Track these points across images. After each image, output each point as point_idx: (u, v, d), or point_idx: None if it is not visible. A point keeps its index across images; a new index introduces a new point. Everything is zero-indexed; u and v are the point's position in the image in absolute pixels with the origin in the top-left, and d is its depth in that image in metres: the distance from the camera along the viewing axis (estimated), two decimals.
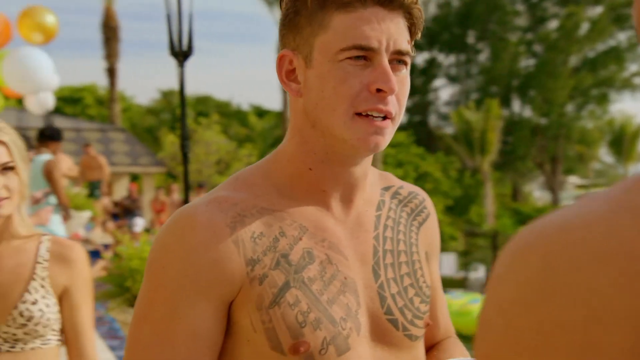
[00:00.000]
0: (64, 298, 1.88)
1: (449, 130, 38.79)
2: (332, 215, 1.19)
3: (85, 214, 9.38)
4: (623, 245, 0.39)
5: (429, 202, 1.34)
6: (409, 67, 1.15)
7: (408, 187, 1.33)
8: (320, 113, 1.12)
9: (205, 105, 36.78)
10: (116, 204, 16.38)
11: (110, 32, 25.04)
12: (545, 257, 0.41)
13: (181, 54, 3.35)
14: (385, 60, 1.10)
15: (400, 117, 1.15)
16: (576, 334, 0.39)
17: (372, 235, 1.21)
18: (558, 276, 0.40)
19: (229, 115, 36.87)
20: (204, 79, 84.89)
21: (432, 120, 43.23)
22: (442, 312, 1.38)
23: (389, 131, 1.12)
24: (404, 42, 1.12)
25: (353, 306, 1.14)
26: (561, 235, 0.41)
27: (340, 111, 1.10)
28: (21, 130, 13.01)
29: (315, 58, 1.12)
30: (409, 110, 43.10)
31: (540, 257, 0.41)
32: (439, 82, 44.12)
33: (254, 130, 35.97)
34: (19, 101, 18.19)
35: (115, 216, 15.76)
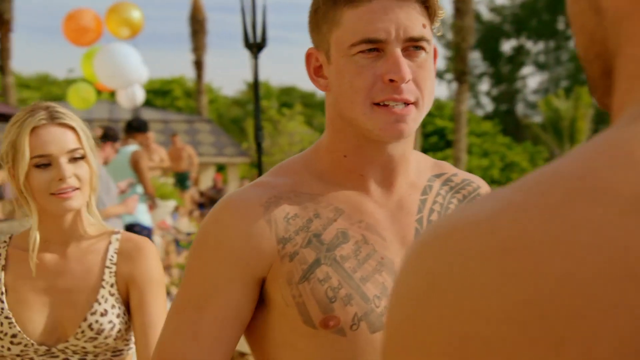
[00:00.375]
0: (132, 294, 1.68)
1: (537, 119, 37.80)
2: (371, 199, 1.22)
3: (171, 203, 9.67)
4: (503, 243, 0.41)
5: (484, 190, 1.34)
6: (430, 50, 1.17)
7: (463, 175, 1.35)
8: (342, 106, 1.17)
9: (290, 96, 37.12)
10: (202, 193, 16.79)
11: (197, 24, 25.60)
12: (435, 255, 0.44)
13: (255, 46, 3.42)
14: (396, 50, 1.12)
15: (427, 100, 1.17)
16: (459, 326, 0.41)
17: (414, 219, 1.24)
18: (446, 272, 0.43)
19: (313, 105, 37.10)
20: (289, 69, 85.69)
21: (520, 109, 42.25)
22: None
23: (413, 117, 1.15)
24: (418, 28, 1.13)
25: (389, 285, 1.16)
26: (451, 235, 0.43)
27: (359, 103, 1.14)
28: (112, 123, 13.54)
29: (332, 54, 1.17)
30: (495, 99, 42.21)
31: (432, 255, 0.44)
32: (527, 69, 43.12)
33: None
34: (111, 94, 18.89)
35: (201, 206, 16.17)
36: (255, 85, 3.44)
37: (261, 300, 1.19)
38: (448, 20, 39.47)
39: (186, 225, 14.33)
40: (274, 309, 1.17)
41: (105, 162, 5.94)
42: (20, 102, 31.86)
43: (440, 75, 42.23)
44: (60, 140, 1.65)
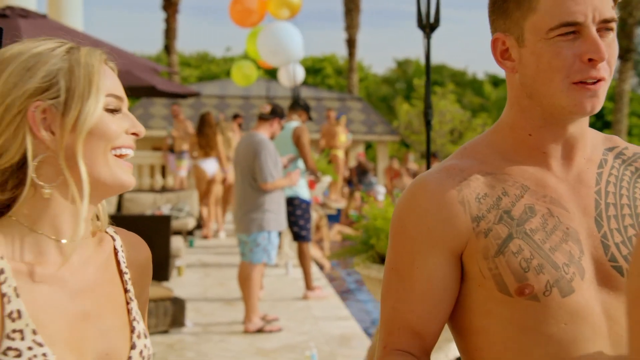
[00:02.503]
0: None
1: None
2: (553, 174, 1.31)
3: (326, 179, 9.95)
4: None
5: None
6: (615, 30, 1.24)
7: (633, 148, 1.41)
8: (538, 85, 1.25)
9: (441, 75, 36.66)
10: (350, 171, 17.06)
11: (351, 3, 25.82)
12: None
13: (428, 26, 3.47)
14: (593, 31, 1.20)
15: (611, 76, 1.25)
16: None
17: (593, 190, 1.32)
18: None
19: (463, 84, 36.42)
20: (440, 47, 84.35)
21: None
22: None
23: (602, 92, 1.24)
24: (608, 10, 1.21)
25: (576, 253, 1.26)
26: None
27: (557, 81, 1.23)
28: (269, 100, 14.01)
29: (527, 38, 1.25)
30: None
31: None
32: None
33: (489, 99, 35.20)
34: (269, 72, 19.51)
35: (349, 182, 16.45)
36: (427, 66, 3.50)
37: None
38: None
39: (335, 200, 14.67)
40: (471, 280, 1.28)
41: (272, 137, 6.23)
42: (183, 80, 33.58)
43: None
44: None
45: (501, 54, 1.31)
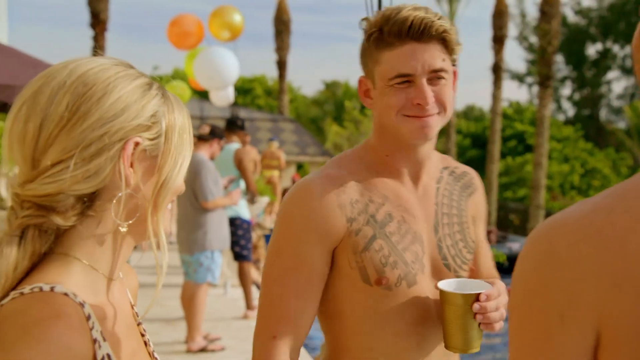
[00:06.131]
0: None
1: (621, 125, 36.80)
2: (405, 188, 1.64)
3: (264, 199, 10.03)
4: (597, 231, 0.77)
5: (477, 180, 1.81)
6: (449, 75, 1.57)
7: (462, 168, 1.80)
8: (383, 119, 1.59)
9: None
10: (284, 192, 17.16)
11: (281, 25, 26.05)
12: (549, 240, 0.80)
13: None
14: (422, 81, 1.53)
15: (449, 110, 1.58)
16: (566, 288, 0.78)
17: (434, 202, 1.67)
18: (556, 251, 0.79)
19: None
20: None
21: (603, 114, 41.16)
22: (483, 261, 1.81)
23: (433, 122, 1.56)
24: (438, 62, 1.53)
25: (420, 253, 1.60)
26: (560, 226, 0.79)
27: (393, 116, 1.56)
28: (203, 120, 13.96)
29: (377, 83, 1.59)
30: (577, 103, 41.25)
31: (546, 240, 0.81)
32: (612, 74, 41.90)
33: None
34: (202, 93, 19.48)
35: None
36: None
37: None
38: (531, 23, 38.78)
39: (270, 221, 14.75)
40: (339, 271, 1.56)
41: (212, 158, 6.30)
42: None
43: (520, 78, 41.49)
44: None
45: (365, 93, 1.65)
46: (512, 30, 45.54)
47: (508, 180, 30.64)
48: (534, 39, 36.74)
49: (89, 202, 1.06)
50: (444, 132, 30.16)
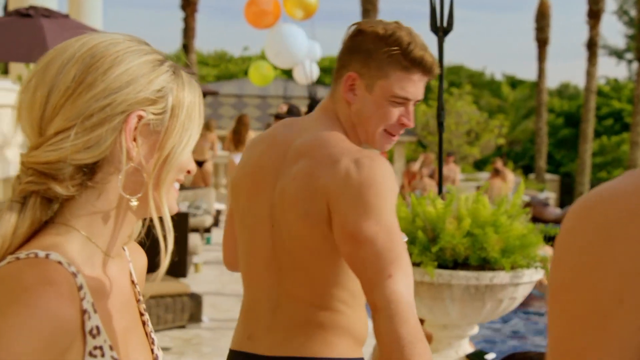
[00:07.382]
0: None
1: None
2: None
3: None
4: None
5: None
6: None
7: None
8: (365, 124, 1.80)
9: (458, 75, 36.57)
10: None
11: (369, 4, 25.83)
12: (603, 212, 0.67)
13: (442, 30, 3.54)
14: (412, 106, 1.81)
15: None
16: (628, 267, 0.65)
17: None
18: (613, 225, 0.66)
19: (481, 85, 36.32)
20: (457, 48, 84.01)
21: None
22: None
23: (395, 139, 1.85)
24: (422, 95, 1.81)
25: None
26: (616, 198, 0.67)
27: (379, 127, 1.80)
28: (287, 99, 14.07)
29: (375, 91, 1.77)
30: None
31: (599, 213, 0.67)
32: None
33: (507, 100, 35.10)
34: (287, 72, 19.68)
35: None
36: (440, 69, 3.57)
37: None
38: None
39: None
40: None
41: None
42: (201, 79, 33.76)
43: (619, 54, 39.73)
44: None
45: (349, 87, 1.78)
46: (611, 4, 43.64)
47: (603, 160, 29.50)
48: (634, 13, 35.00)
49: (89, 173, 1.05)
50: (534, 111, 29.33)
